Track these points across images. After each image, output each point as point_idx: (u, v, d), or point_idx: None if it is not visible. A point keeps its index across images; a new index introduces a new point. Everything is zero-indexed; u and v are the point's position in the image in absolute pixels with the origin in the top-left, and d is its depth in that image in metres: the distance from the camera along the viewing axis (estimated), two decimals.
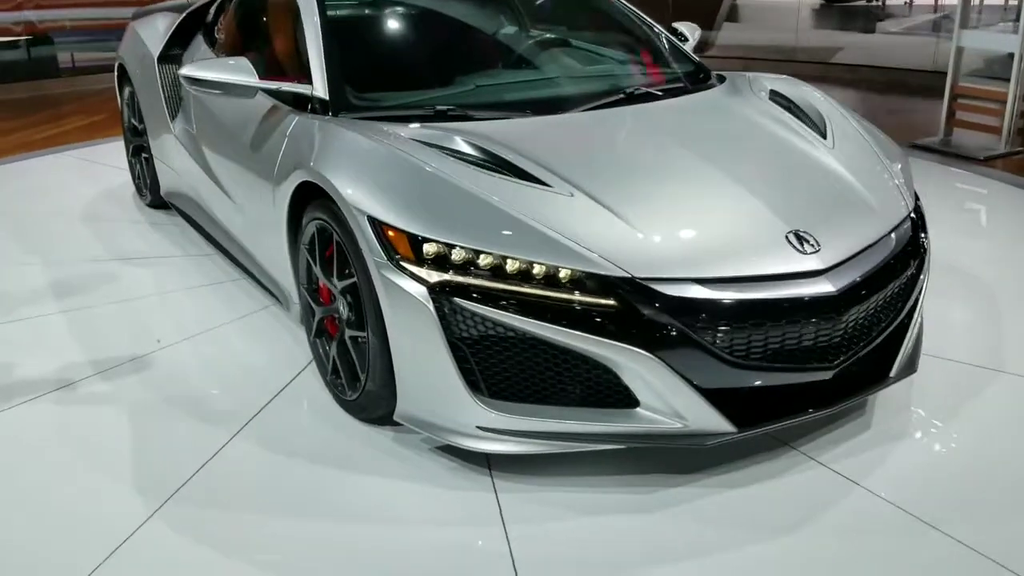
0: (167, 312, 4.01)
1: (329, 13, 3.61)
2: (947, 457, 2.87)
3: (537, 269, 2.52)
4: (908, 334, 2.91)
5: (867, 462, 2.81)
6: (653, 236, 2.62)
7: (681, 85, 3.76)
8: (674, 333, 2.49)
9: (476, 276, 2.52)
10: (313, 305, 3.18)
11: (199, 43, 4.62)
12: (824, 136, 3.30)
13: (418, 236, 2.58)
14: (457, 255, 2.54)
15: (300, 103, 3.37)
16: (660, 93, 3.60)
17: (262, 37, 4.10)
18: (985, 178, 5.94)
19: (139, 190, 5.44)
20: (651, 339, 2.49)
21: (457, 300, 2.51)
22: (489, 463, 2.79)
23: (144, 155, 5.16)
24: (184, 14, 4.82)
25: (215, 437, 2.99)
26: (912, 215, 3.02)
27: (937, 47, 9.88)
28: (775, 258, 2.63)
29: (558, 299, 2.50)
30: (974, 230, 5.03)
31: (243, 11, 4.34)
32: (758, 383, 2.63)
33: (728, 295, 2.54)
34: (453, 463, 2.80)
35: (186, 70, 3.43)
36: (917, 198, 3.21)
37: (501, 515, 2.59)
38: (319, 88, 3.30)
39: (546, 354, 2.53)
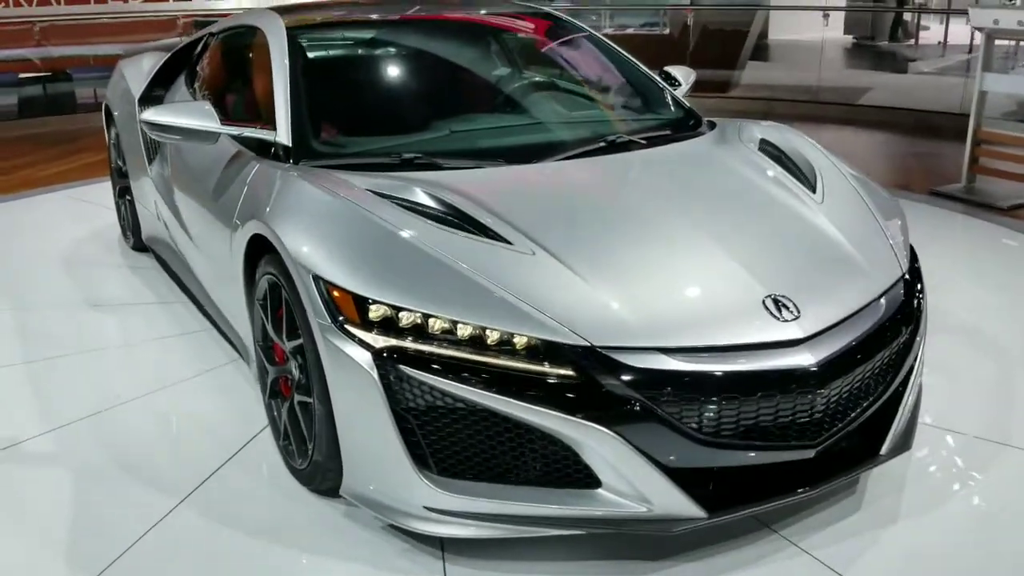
0: (134, 364, 3.85)
1: (305, 55, 3.48)
2: (942, 545, 2.62)
3: (491, 335, 2.33)
4: (901, 407, 2.68)
5: (854, 549, 2.57)
6: (618, 301, 2.42)
7: (668, 133, 3.57)
8: (637, 408, 2.28)
9: (425, 342, 2.34)
10: (267, 364, 3.00)
11: (180, 85, 4.51)
12: (813, 190, 3.09)
13: (364, 298, 2.40)
14: (405, 319, 2.36)
15: (264, 149, 3.23)
16: (644, 141, 3.42)
17: (238, 79, 3.99)
18: (1008, 229, 5.65)
19: (124, 232, 5.34)
20: (611, 414, 2.28)
21: (403, 368, 2.32)
22: (443, 545, 2.58)
23: (128, 197, 5.06)
24: (169, 55, 4.71)
25: (159, 505, 2.81)
26: (906, 277, 2.79)
27: (965, 89, 9.61)
28: (750, 326, 2.42)
29: (512, 368, 2.31)
30: (991, 286, 4.75)
31: (221, 52, 4.23)
32: (731, 463, 2.41)
33: (696, 366, 2.33)
34: (405, 544, 2.59)
35: (146, 115, 3.30)
36: (914, 257, 2.99)
37: None
38: (282, 134, 3.15)
39: (499, 428, 2.33)
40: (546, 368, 2.30)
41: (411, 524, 2.45)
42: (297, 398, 2.77)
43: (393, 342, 2.34)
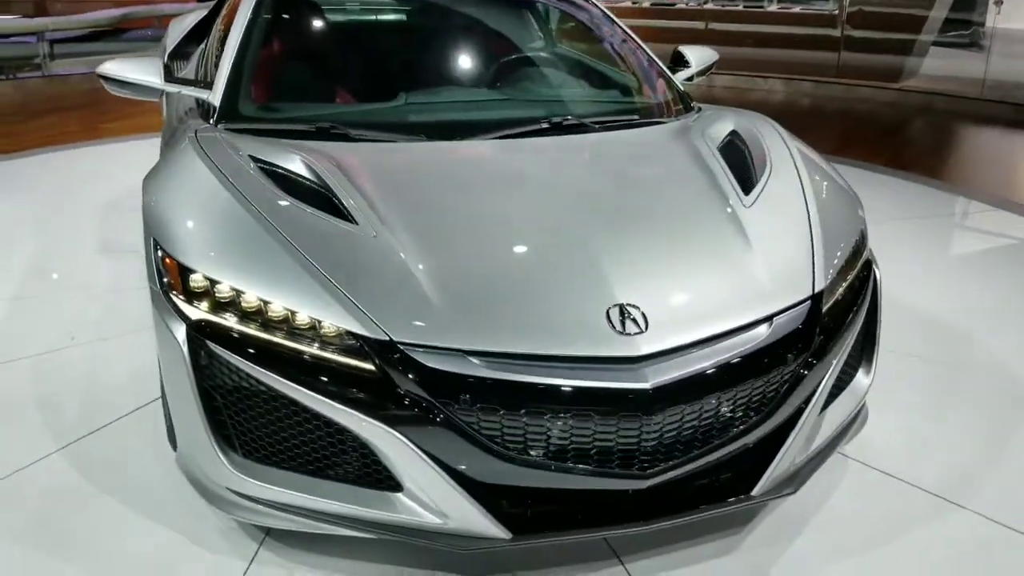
0: (105, 309, 3.95)
1: (267, 16, 3.43)
2: None
3: (298, 319, 2.19)
4: (785, 446, 2.35)
5: None
6: (440, 296, 2.22)
7: (633, 118, 3.29)
8: (431, 414, 2.10)
9: (236, 319, 2.23)
10: None
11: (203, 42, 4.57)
12: (748, 193, 2.74)
13: (186, 266, 2.32)
14: (221, 292, 2.26)
15: (206, 110, 3.21)
16: (596, 126, 3.15)
17: (223, 37, 3.97)
18: None
19: None
20: (404, 417, 2.11)
21: (210, 344, 2.23)
22: (268, 532, 2.48)
23: None
24: (207, 11, 4.77)
25: (39, 447, 2.87)
26: (812, 300, 2.43)
27: None
28: (583, 337, 2.17)
29: (315, 357, 2.16)
30: None
31: (226, 11, 4.23)
32: (544, 485, 2.19)
33: (501, 375, 2.11)
34: (232, 524, 2.52)
35: (102, 68, 3.33)
36: (862, 277, 2.63)
37: None
38: (215, 94, 3.11)
39: (301, 418, 2.20)
40: (346, 360, 2.15)
41: (220, 506, 2.36)
42: None
43: (206, 316, 2.25)
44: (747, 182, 2.80)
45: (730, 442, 2.28)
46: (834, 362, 2.44)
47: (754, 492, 2.33)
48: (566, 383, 2.11)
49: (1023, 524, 2.57)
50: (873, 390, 2.74)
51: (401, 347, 2.12)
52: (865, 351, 2.77)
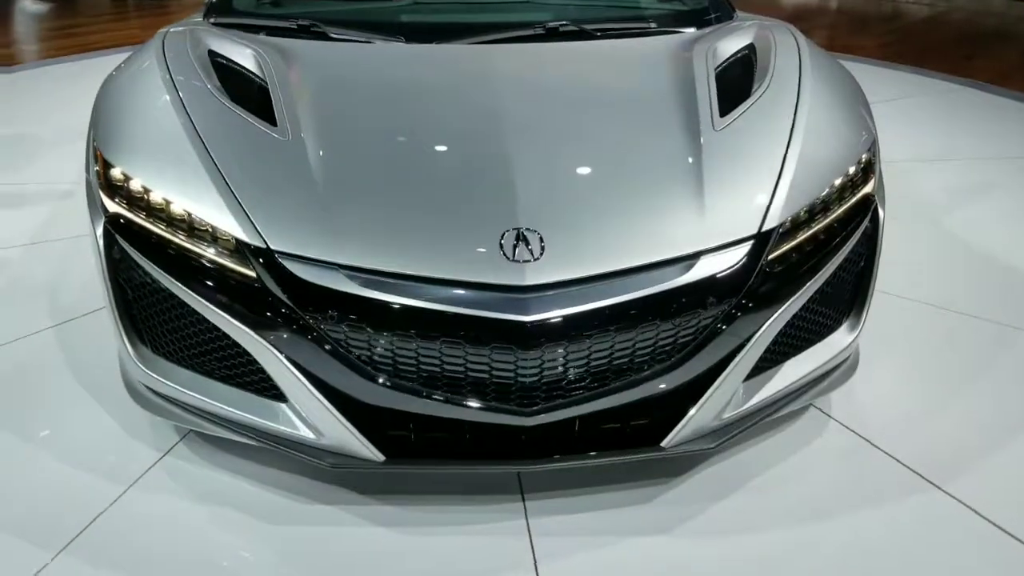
0: None
1: None
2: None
3: (196, 221, 2.17)
4: (702, 399, 2.14)
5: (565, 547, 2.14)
6: (331, 207, 2.13)
7: (649, 26, 3.01)
8: (302, 328, 2.03)
9: (143, 217, 2.23)
10: None
11: None
12: (727, 114, 2.45)
13: (107, 160, 2.33)
14: (134, 189, 2.26)
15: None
16: (597, 33, 2.90)
17: None
18: None
19: None
20: (277, 329, 2.05)
21: (120, 239, 2.25)
22: (184, 434, 2.52)
23: None
24: None
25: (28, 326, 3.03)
26: (754, 241, 2.15)
27: None
28: (468, 260, 2.03)
29: (206, 261, 2.13)
30: None
31: None
32: (422, 411, 2.09)
33: (372, 293, 2.00)
34: (155, 421, 2.56)
35: None
36: (840, 224, 2.31)
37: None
38: None
39: (194, 319, 2.19)
40: (231, 266, 2.11)
41: (136, 400, 2.40)
42: None
43: (119, 210, 2.26)
44: (733, 103, 2.50)
45: (629, 388, 2.09)
46: (778, 312, 2.16)
47: (663, 443, 2.14)
48: (437, 307, 1.98)
49: (1005, 520, 2.23)
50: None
51: (277, 255, 2.06)
52: (855, 302, 2.46)
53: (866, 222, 2.39)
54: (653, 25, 3.02)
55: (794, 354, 2.35)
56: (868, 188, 2.43)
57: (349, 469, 2.12)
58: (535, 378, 2.02)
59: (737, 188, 2.23)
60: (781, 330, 2.23)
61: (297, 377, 2.06)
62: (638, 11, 3.14)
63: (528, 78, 2.67)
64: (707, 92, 2.52)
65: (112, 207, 2.27)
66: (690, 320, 2.07)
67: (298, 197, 2.15)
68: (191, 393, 2.23)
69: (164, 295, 2.19)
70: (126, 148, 2.33)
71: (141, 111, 2.44)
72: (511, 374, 2.01)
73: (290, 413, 2.15)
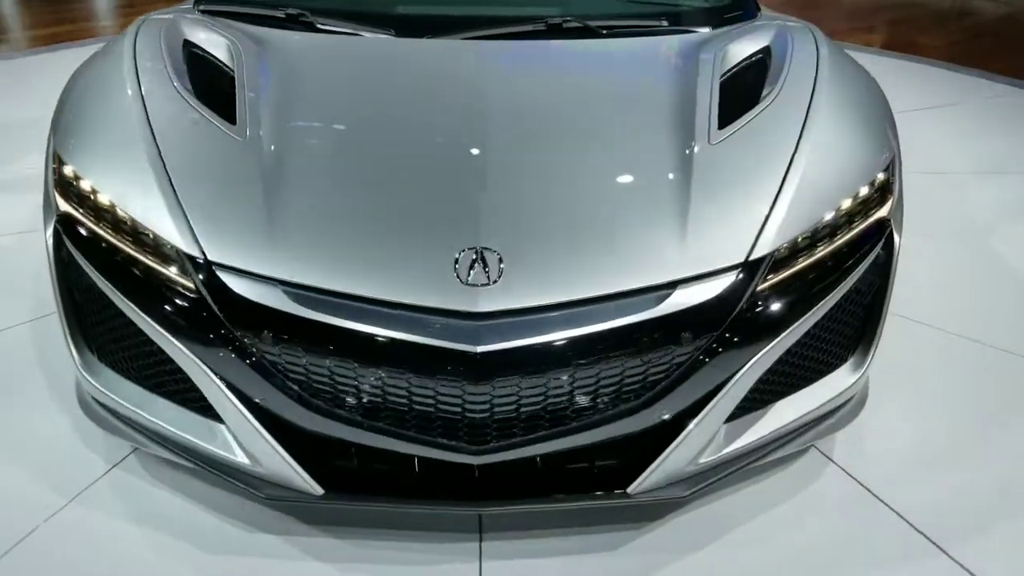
0: None
1: None
2: None
3: (139, 227, 2.03)
4: (674, 443, 1.94)
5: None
6: (279, 215, 1.97)
7: (660, 24, 2.78)
8: (236, 346, 1.88)
9: (91, 219, 2.10)
10: None
11: None
12: (726, 126, 2.23)
13: (61, 157, 2.21)
14: (83, 189, 2.13)
15: None
16: (603, 31, 2.69)
17: None
18: None
19: None
20: (210, 346, 1.90)
21: (67, 240, 2.12)
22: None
23: None
24: None
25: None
26: (742, 270, 1.94)
27: None
28: (418, 281, 1.86)
29: (145, 268, 1.99)
30: None
31: None
32: (360, 443, 1.92)
33: (314, 314, 1.84)
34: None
35: None
36: (848, 250, 2.07)
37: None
38: None
39: (132, 329, 2.05)
40: (170, 276, 1.96)
41: (84, 410, 2.26)
42: None
43: (69, 210, 2.14)
44: (736, 113, 2.28)
45: (591, 428, 1.90)
46: (766, 349, 1.95)
47: (630, 490, 1.94)
48: (380, 332, 1.81)
49: None
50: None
51: (215, 267, 1.91)
52: (861, 338, 2.23)
53: (878, 249, 2.15)
54: (664, 23, 2.79)
55: (787, 394, 2.13)
56: (883, 211, 2.19)
57: (286, 502, 1.96)
58: (485, 414, 1.84)
59: (727, 210, 2.02)
60: (771, 367, 2.02)
61: (230, 399, 1.91)
62: (650, 7, 2.91)
63: (516, 81, 2.47)
64: (708, 100, 2.30)
65: (63, 206, 2.15)
66: (661, 357, 1.87)
67: (243, 204, 1.99)
68: (130, 407, 2.10)
69: (106, 302, 2.06)
70: (80, 145, 2.20)
71: (101, 106, 2.31)
72: (459, 409, 1.83)
73: (228, 436, 2.00)
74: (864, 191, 2.14)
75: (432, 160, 2.13)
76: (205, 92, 2.32)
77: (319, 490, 1.94)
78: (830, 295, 2.04)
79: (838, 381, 2.20)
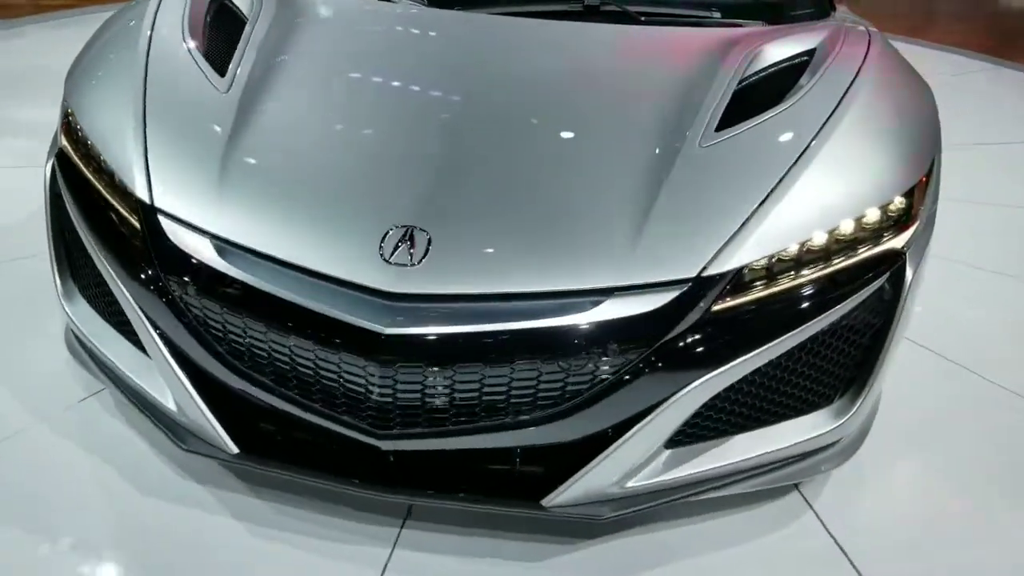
0: None
1: None
2: None
3: (105, 165, 2.07)
4: (597, 459, 1.80)
5: None
6: (231, 170, 1.95)
7: (708, 15, 2.59)
8: (165, 291, 1.88)
9: (78, 158, 2.15)
10: None
11: None
12: (724, 128, 2.04)
13: (65, 95, 2.29)
14: (74, 124, 2.20)
15: None
16: (642, 18, 2.53)
17: None
18: None
19: None
20: (144, 287, 1.90)
21: (59, 174, 2.20)
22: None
23: None
24: None
25: None
26: (690, 285, 1.76)
27: None
28: (341, 253, 1.80)
29: (103, 205, 2.03)
30: None
31: None
32: (277, 407, 1.89)
33: (236, 271, 1.81)
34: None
35: None
36: (829, 282, 1.86)
37: None
38: None
39: (90, 262, 2.08)
40: (119, 213, 1.99)
41: (65, 341, 2.35)
42: None
43: (65, 144, 2.22)
44: (740, 116, 2.08)
45: (504, 430, 1.79)
46: (712, 374, 1.77)
47: (544, 502, 1.83)
48: (294, 298, 1.76)
49: None
50: None
51: (158, 213, 1.91)
52: (852, 379, 2.01)
53: (882, 283, 1.92)
54: (717, 15, 2.59)
55: (750, 428, 1.94)
56: (896, 242, 1.95)
57: (202, 455, 1.96)
58: (388, 399, 1.76)
59: (692, 219, 1.85)
60: (723, 396, 1.84)
61: (159, 345, 1.91)
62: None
63: (524, 61, 2.35)
64: (716, 100, 2.11)
65: (62, 142, 2.22)
66: (583, 367, 1.73)
67: (202, 156, 1.99)
68: (93, 340, 2.15)
69: (77, 235, 2.11)
70: (81, 86, 2.29)
71: (112, 51, 2.37)
72: (362, 389, 1.76)
73: (162, 380, 2.00)
74: (872, 215, 1.92)
75: (396, 134, 2.07)
76: (227, 43, 2.33)
77: (234, 449, 1.92)
78: (805, 327, 1.83)
79: (817, 423, 1.99)
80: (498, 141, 2.03)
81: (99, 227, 2.01)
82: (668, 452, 1.89)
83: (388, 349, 1.70)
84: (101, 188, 2.04)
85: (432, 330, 1.71)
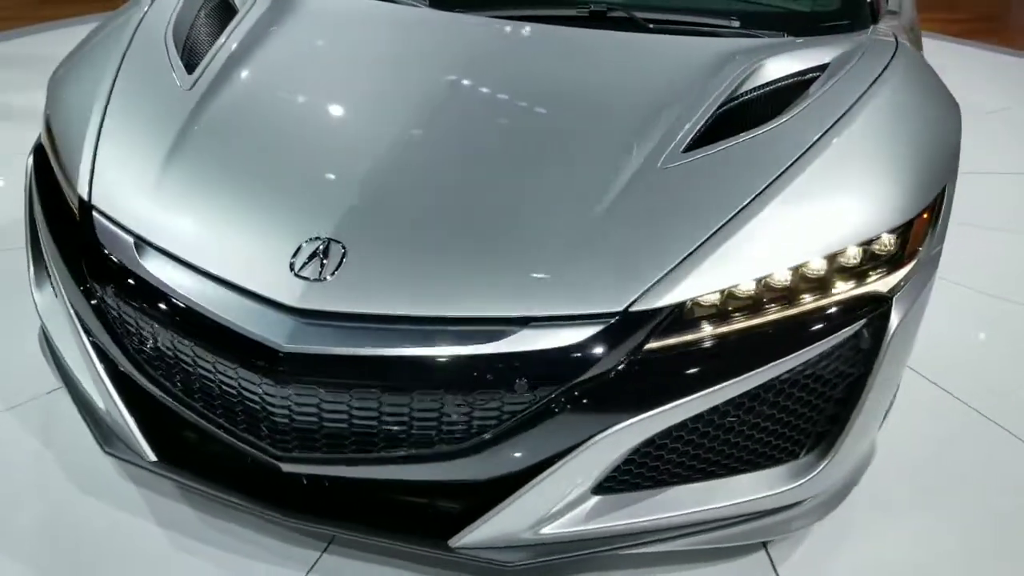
0: None
1: None
2: None
3: (57, 157, 2.07)
4: (506, 502, 1.66)
5: None
6: (164, 170, 1.89)
7: (729, 24, 2.37)
8: (88, 287, 1.84)
9: (50, 147, 2.16)
10: None
11: None
12: (693, 148, 1.85)
13: (48, 89, 2.30)
14: (47, 115, 2.21)
15: None
16: (650, 25, 2.34)
17: None
18: None
19: None
20: (73, 280, 1.87)
21: (33, 164, 2.21)
22: None
23: None
24: None
25: None
26: (616, 320, 1.60)
27: None
28: (249, 262, 1.71)
29: (52, 198, 2.03)
30: None
31: None
32: (186, 416, 1.82)
33: (148, 272, 1.75)
34: None
35: None
36: (782, 329, 1.66)
37: None
38: None
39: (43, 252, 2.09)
40: (64, 207, 1.97)
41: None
42: None
43: (39, 143, 2.23)
44: (721, 137, 1.89)
45: (405, 462, 1.66)
46: (641, 418, 1.61)
47: (450, 542, 1.70)
48: (196, 304, 1.69)
49: None
50: None
51: (92, 210, 1.88)
52: (822, 435, 1.80)
53: (859, 328, 1.71)
54: (734, 23, 2.37)
55: (696, 480, 1.76)
56: (880, 285, 1.73)
57: (122, 460, 1.91)
58: (285, 419, 1.66)
59: (630, 248, 1.67)
60: (662, 444, 1.67)
61: (85, 343, 1.88)
62: (732, 5, 2.47)
63: (498, 71, 2.18)
64: (694, 118, 1.92)
65: (42, 136, 2.23)
66: (489, 401, 1.59)
67: (147, 154, 1.94)
68: (49, 331, 2.15)
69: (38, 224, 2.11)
70: (60, 79, 2.30)
71: (98, 45, 2.36)
72: (259, 407, 1.67)
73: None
74: (852, 253, 1.70)
75: (340, 145, 1.96)
76: (213, 39, 2.30)
77: (151, 456, 1.86)
78: (754, 374, 1.64)
79: (776, 480, 1.79)
80: (447, 157, 1.89)
81: (48, 221, 2.01)
82: (596, 499, 1.72)
83: (285, 367, 1.60)
84: (59, 182, 2.03)
85: (331, 350, 1.60)
